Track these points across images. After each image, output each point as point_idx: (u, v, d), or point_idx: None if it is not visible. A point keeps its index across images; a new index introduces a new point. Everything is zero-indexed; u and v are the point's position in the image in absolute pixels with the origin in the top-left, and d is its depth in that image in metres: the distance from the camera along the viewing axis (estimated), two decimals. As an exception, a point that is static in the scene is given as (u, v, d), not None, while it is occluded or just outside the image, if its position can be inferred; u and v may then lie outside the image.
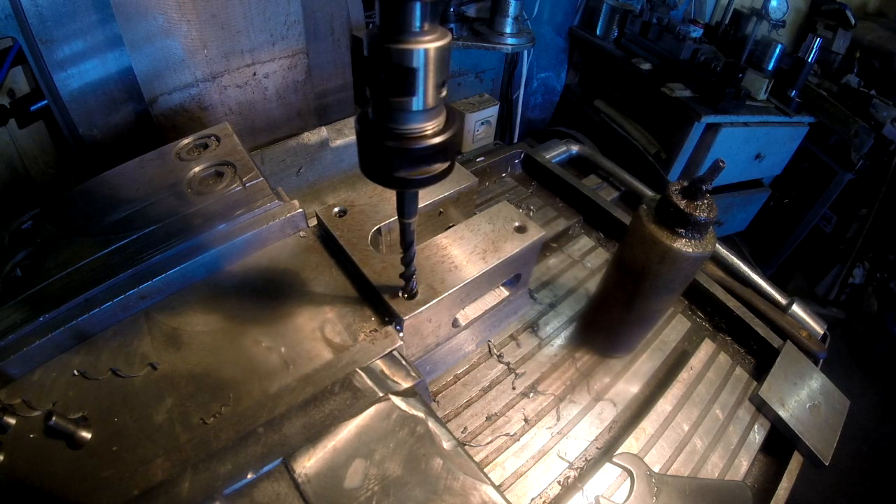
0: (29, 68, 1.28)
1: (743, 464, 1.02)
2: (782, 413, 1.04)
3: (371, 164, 0.69)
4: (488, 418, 1.02)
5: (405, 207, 0.76)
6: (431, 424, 0.77)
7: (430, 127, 0.64)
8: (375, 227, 1.04)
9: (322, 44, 1.69)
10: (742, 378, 1.15)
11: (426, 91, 0.60)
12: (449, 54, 0.60)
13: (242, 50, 1.41)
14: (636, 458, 0.95)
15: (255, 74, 1.46)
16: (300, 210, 1.03)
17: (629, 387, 1.12)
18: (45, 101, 1.33)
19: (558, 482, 0.95)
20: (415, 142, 0.64)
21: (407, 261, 0.86)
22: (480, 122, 2.74)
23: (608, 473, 0.93)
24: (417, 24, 0.56)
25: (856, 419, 2.85)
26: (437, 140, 0.64)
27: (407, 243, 0.82)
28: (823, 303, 3.49)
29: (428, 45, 0.57)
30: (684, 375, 1.10)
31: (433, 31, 0.58)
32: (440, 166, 0.68)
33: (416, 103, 0.61)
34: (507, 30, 2.39)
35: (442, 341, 1.07)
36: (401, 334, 0.90)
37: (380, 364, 0.85)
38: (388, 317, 0.91)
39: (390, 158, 0.65)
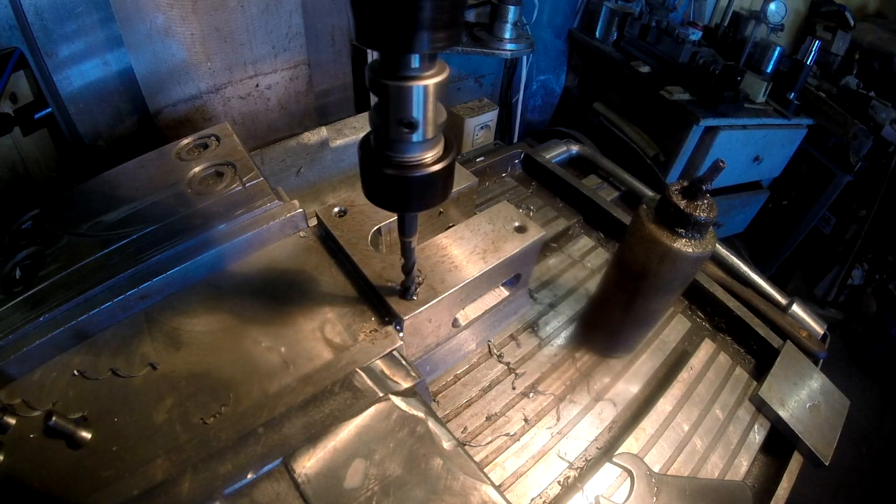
0: (30, 72, 1.28)
1: (743, 464, 1.02)
2: (782, 413, 1.04)
3: (372, 190, 0.71)
4: (488, 418, 1.02)
5: (405, 227, 0.78)
6: (431, 424, 0.77)
7: (429, 156, 0.66)
8: (375, 227, 1.04)
9: (323, 54, 1.71)
10: (742, 378, 1.15)
11: (425, 124, 0.62)
12: (447, 87, 0.61)
13: (245, 62, 1.43)
14: (636, 458, 0.95)
15: (257, 86, 1.48)
16: (300, 210, 1.03)
17: (629, 387, 1.12)
18: (49, 109, 1.33)
19: (558, 482, 0.95)
20: (414, 170, 0.65)
21: (407, 272, 0.87)
22: (479, 127, 2.75)
23: (608, 473, 0.93)
24: (417, 63, 0.57)
25: (855, 419, 2.86)
26: (436, 168, 0.66)
27: (408, 262, 0.84)
28: (822, 304, 3.49)
29: (427, 82, 0.58)
30: (684, 375, 1.10)
31: (432, 67, 0.59)
32: (439, 191, 0.71)
33: (416, 135, 0.62)
34: (507, 35, 2.40)
35: (442, 341, 1.07)
36: (401, 334, 0.90)
37: (380, 364, 0.85)
38: (388, 317, 0.91)
39: (390, 186, 0.67)
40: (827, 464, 1.00)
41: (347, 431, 0.75)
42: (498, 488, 0.72)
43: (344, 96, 1.87)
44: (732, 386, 1.12)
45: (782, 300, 1.38)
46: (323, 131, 1.38)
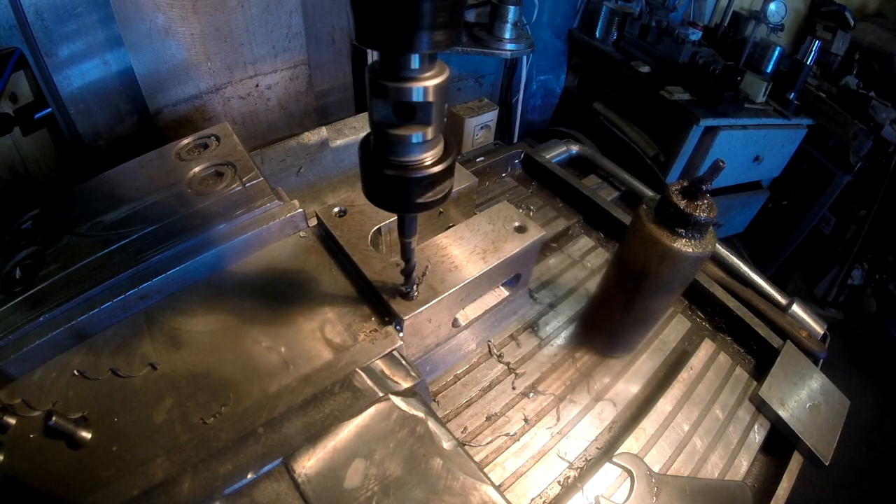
0: (30, 72, 1.28)
1: (743, 464, 1.02)
2: (782, 413, 1.04)
3: (372, 190, 0.71)
4: (488, 418, 1.02)
5: (405, 228, 0.78)
6: (431, 424, 0.77)
7: (428, 157, 0.66)
8: (375, 227, 1.04)
9: (323, 54, 1.71)
10: (742, 378, 1.15)
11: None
12: (447, 89, 0.61)
13: (245, 62, 1.43)
14: (636, 458, 0.95)
15: (257, 86, 1.49)
16: (300, 210, 1.03)
17: (629, 387, 1.12)
18: (49, 109, 1.34)
19: (558, 482, 0.95)
20: (414, 171, 0.65)
21: (407, 273, 0.87)
22: (479, 127, 2.76)
23: (608, 473, 0.93)
24: (417, 64, 0.57)
25: (855, 419, 2.85)
26: (435, 169, 0.66)
27: (407, 261, 0.84)
28: (822, 304, 3.49)
29: (427, 83, 0.58)
30: (684, 375, 1.10)
31: (432, 68, 0.59)
32: (439, 192, 0.70)
33: (416, 137, 0.62)
34: (507, 35, 2.40)
35: (442, 341, 1.07)
36: (401, 334, 0.90)
37: (380, 364, 0.85)
38: (388, 317, 0.91)
39: (390, 187, 0.67)
40: (827, 464, 1.00)
41: (347, 431, 0.75)
42: (498, 488, 0.72)
43: (344, 96, 1.87)
44: (732, 386, 1.12)
45: (782, 300, 1.38)
46: (323, 131, 1.38)
